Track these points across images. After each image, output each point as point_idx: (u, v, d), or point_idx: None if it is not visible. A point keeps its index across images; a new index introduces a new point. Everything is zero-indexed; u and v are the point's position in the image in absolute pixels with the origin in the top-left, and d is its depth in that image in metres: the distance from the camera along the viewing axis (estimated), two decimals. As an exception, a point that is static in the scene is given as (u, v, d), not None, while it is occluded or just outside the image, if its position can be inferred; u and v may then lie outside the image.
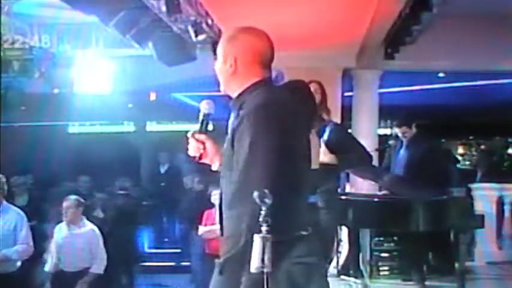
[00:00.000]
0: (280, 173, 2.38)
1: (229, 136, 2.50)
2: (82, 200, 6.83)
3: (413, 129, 6.16)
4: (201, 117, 2.69)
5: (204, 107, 2.67)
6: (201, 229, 7.62)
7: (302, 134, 2.59)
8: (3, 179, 5.84)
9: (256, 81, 2.55)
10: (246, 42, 2.58)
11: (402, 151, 6.19)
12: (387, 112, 8.75)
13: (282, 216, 2.36)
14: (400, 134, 6.19)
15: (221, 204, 2.65)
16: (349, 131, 7.05)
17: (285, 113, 2.45)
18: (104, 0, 5.88)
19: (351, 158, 4.86)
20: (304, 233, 2.54)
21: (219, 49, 2.63)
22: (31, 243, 5.95)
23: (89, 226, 6.84)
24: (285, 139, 2.41)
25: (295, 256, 2.49)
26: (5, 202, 5.88)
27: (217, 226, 8.10)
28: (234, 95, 2.62)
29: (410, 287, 5.92)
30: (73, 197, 6.79)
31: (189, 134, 2.68)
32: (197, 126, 2.67)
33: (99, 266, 6.72)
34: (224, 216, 2.59)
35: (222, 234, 2.66)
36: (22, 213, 5.92)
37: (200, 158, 2.69)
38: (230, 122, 2.58)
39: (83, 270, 6.67)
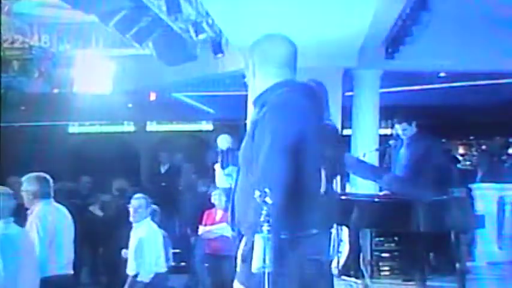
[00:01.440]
0: (297, 169, 2.50)
1: (249, 130, 2.66)
2: (149, 200, 6.52)
3: (414, 128, 6.14)
4: (220, 153, 2.83)
5: (221, 143, 2.81)
6: (201, 229, 7.61)
7: (317, 135, 2.71)
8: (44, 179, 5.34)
9: (277, 83, 2.71)
10: (262, 47, 2.80)
11: (403, 150, 6.17)
12: (387, 112, 8.74)
13: (300, 214, 2.53)
14: (400, 131, 6.16)
15: (234, 196, 2.76)
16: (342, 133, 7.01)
17: (304, 113, 2.63)
18: (104, 0, 5.87)
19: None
20: (315, 231, 2.64)
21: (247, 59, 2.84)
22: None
23: (148, 228, 6.43)
24: (302, 137, 2.56)
25: (308, 253, 2.59)
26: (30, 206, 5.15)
27: (221, 225, 7.88)
28: (257, 95, 2.78)
29: (411, 287, 5.91)
30: (140, 195, 6.51)
31: (217, 168, 2.86)
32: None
33: (142, 273, 6.25)
34: (239, 207, 2.69)
35: (232, 226, 2.77)
36: (29, 220, 5.09)
37: None
38: (250, 119, 2.76)
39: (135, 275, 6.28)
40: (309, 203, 2.60)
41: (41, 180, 5.26)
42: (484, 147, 14.31)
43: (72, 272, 5.29)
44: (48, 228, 5.03)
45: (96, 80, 8.63)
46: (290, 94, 2.67)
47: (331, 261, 2.81)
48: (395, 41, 7.85)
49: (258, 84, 2.78)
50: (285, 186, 2.44)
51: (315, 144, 2.67)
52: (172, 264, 7.15)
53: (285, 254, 2.46)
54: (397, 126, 6.20)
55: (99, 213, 9.18)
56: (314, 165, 2.66)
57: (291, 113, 2.58)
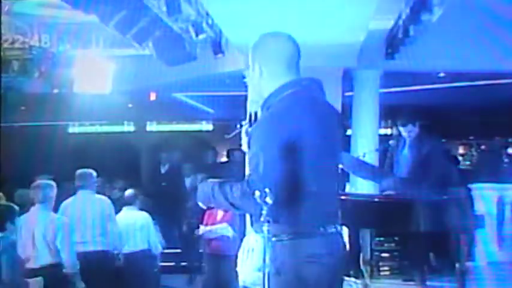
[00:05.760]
0: (290, 171, 2.47)
1: (254, 135, 2.60)
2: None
3: (417, 129, 6.13)
4: (248, 115, 2.76)
5: (252, 106, 2.74)
6: (202, 229, 7.61)
7: (327, 136, 2.65)
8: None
9: (282, 85, 2.65)
10: (267, 46, 2.72)
11: (405, 151, 6.15)
12: (387, 112, 8.73)
13: (300, 213, 2.53)
14: (405, 133, 6.13)
15: None
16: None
17: (305, 116, 2.57)
18: (104, 0, 5.87)
19: None
20: (326, 230, 2.64)
21: (249, 58, 2.75)
22: None
23: None
24: (301, 143, 2.51)
25: (326, 251, 2.59)
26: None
27: (222, 225, 7.94)
28: (264, 98, 2.70)
29: (411, 287, 5.92)
30: None
31: (243, 130, 2.76)
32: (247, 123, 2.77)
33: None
34: None
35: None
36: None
37: None
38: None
39: None
40: (332, 201, 2.67)
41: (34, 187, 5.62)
42: (484, 147, 14.32)
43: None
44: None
45: (96, 80, 8.62)
46: (293, 97, 2.61)
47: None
48: (395, 41, 7.84)
49: (265, 84, 2.69)
50: (289, 185, 2.45)
51: (332, 138, 2.68)
52: (173, 264, 7.18)
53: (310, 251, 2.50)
54: (401, 128, 6.17)
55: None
56: (333, 161, 2.69)
57: (293, 117, 2.54)
